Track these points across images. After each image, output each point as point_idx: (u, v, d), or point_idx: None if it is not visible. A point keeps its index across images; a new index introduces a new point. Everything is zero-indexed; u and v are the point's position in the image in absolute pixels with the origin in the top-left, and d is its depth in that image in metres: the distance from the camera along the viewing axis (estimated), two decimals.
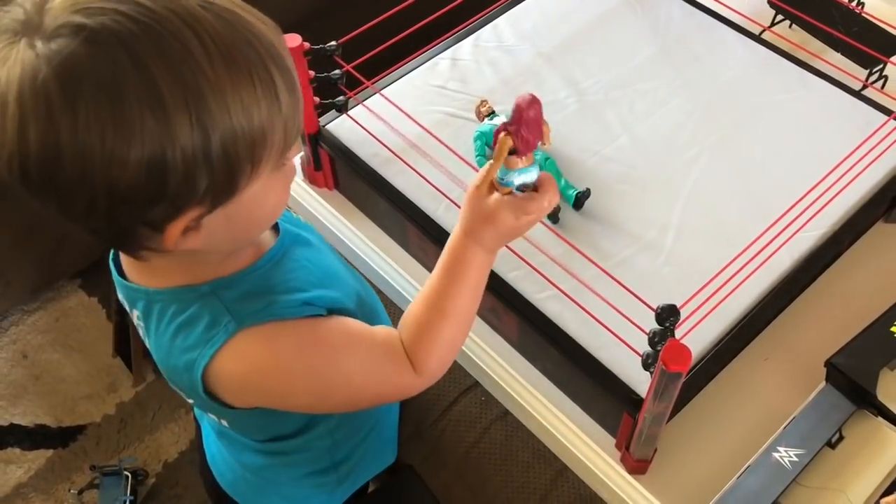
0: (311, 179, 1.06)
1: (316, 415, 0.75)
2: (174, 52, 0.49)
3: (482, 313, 0.92)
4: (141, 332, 0.68)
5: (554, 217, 0.90)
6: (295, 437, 0.76)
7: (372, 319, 0.71)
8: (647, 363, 0.73)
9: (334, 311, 0.66)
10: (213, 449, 0.85)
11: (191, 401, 0.70)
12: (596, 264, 0.79)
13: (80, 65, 0.48)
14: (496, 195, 0.64)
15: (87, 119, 0.48)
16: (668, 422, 0.77)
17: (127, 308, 0.68)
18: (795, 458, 0.75)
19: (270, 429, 0.76)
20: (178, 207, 0.53)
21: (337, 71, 0.94)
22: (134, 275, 0.65)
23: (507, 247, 0.85)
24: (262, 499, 0.85)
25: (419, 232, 0.93)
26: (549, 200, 0.64)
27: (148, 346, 0.67)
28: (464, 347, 0.92)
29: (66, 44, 0.48)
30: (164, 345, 0.64)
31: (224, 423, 0.73)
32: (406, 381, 0.67)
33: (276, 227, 0.70)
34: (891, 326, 0.84)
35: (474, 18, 1.12)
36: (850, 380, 0.81)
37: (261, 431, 0.77)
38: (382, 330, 0.68)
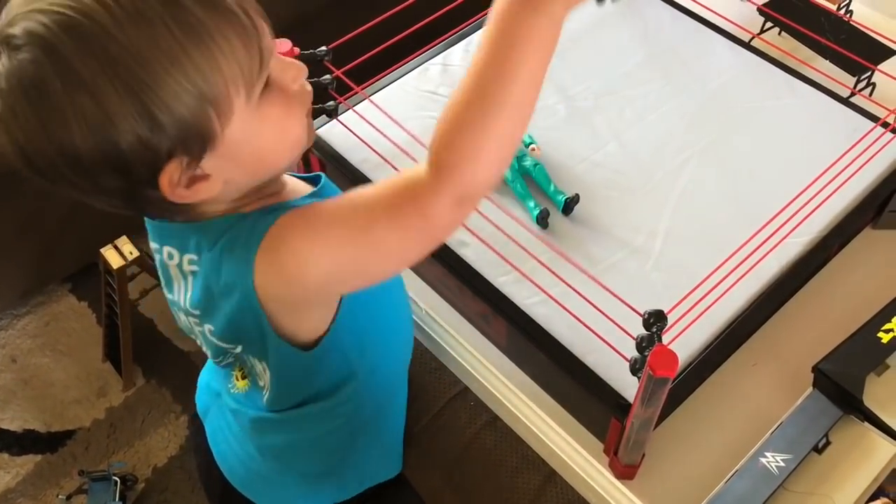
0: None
1: (347, 372, 0.73)
2: (86, 31, 0.51)
3: (471, 317, 0.92)
4: (186, 281, 0.67)
5: (543, 222, 0.91)
6: (324, 398, 0.75)
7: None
8: (635, 368, 0.73)
9: None
10: (223, 446, 0.84)
11: (237, 347, 0.69)
12: (583, 270, 0.79)
13: (11, 74, 0.52)
14: None
15: (26, 119, 0.52)
16: (655, 427, 0.77)
17: (172, 258, 0.67)
18: (782, 464, 0.76)
19: (307, 384, 0.74)
20: (152, 171, 0.55)
21: (327, 76, 0.94)
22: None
23: (495, 251, 0.85)
24: (277, 492, 0.84)
25: None
26: None
27: (192, 286, 0.67)
28: (452, 352, 0.92)
29: (6, 57, 0.53)
30: (215, 269, 0.62)
31: (266, 372, 0.72)
32: (440, 212, 0.54)
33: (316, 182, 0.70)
34: (877, 332, 0.85)
35: (465, 24, 1.12)
36: (837, 385, 0.81)
37: (297, 388, 0.74)
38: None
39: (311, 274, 0.58)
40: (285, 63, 0.61)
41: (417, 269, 0.97)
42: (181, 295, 0.68)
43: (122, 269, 1.30)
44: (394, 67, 1.06)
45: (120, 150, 0.53)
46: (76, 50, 0.51)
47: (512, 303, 0.85)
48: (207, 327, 0.68)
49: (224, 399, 0.81)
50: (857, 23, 1.11)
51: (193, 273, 0.66)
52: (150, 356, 1.48)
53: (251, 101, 0.57)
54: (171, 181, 0.56)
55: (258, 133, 0.58)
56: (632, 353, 0.74)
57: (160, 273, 0.71)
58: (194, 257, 0.65)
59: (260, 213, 0.62)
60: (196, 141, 0.55)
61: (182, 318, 0.72)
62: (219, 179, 0.58)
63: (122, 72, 0.51)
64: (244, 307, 0.62)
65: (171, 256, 0.67)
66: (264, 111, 0.58)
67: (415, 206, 0.54)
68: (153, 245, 0.69)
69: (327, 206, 0.60)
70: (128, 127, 0.52)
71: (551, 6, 0.52)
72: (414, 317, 0.95)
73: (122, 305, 1.35)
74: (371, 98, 0.99)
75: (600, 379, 0.80)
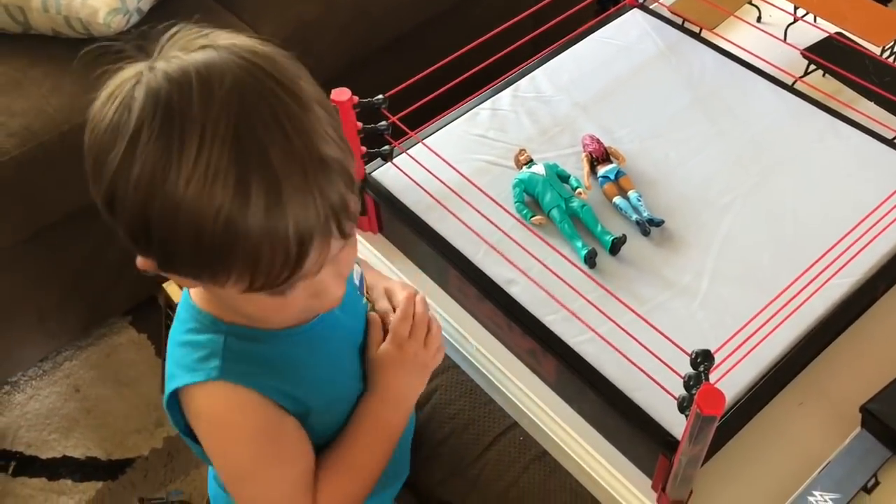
0: (357, 223, 1.10)
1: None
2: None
3: (520, 354, 0.95)
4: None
5: (591, 262, 0.93)
6: None
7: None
8: (683, 406, 0.75)
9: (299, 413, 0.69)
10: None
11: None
12: (631, 309, 0.81)
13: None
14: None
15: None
16: (703, 464, 0.79)
17: None
18: (831, 503, 0.76)
19: None
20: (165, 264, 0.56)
21: (383, 122, 0.99)
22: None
23: (545, 291, 0.88)
24: None
25: (459, 274, 0.97)
26: (403, 318, 0.73)
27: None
28: (501, 387, 0.95)
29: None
30: (171, 345, 0.68)
31: None
32: None
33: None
34: None
35: (513, 71, 1.16)
36: (885, 425, 0.82)
37: None
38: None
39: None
40: (326, 287, 0.60)
41: (467, 307, 1.00)
42: None
43: None
44: (445, 113, 1.10)
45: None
46: None
47: (561, 341, 0.88)
48: None
49: None
50: None
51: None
52: None
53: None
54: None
55: (238, 304, 0.60)
56: (679, 390, 0.76)
57: None
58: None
59: (229, 339, 0.64)
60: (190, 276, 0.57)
61: None
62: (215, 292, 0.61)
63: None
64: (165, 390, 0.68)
65: None
66: (256, 297, 0.57)
67: None
68: None
69: (247, 444, 0.66)
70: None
71: (407, 405, 0.73)
72: (463, 352, 0.98)
73: None
74: (423, 142, 1.03)
75: (648, 416, 0.82)
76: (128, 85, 0.53)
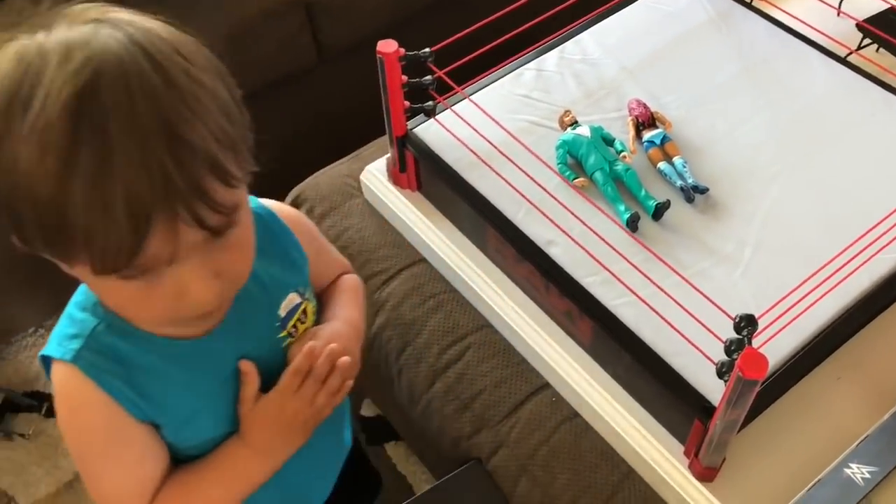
0: (395, 180, 1.10)
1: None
2: None
3: (555, 315, 0.95)
4: None
5: (633, 226, 0.93)
6: None
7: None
8: (722, 371, 0.74)
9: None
10: None
11: None
12: (677, 272, 0.81)
13: None
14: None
15: None
16: (738, 432, 0.78)
17: None
18: (868, 475, 0.76)
19: None
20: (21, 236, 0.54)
21: (429, 77, 0.98)
22: None
23: (586, 251, 0.87)
24: None
25: (497, 234, 0.96)
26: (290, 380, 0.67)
27: None
28: (536, 348, 0.95)
29: None
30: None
31: None
32: None
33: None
34: None
35: (560, 32, 1.15)
36: None
37: None
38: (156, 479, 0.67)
39: None
40: (190, 284, 0.55)
41: (504, 267, 1.00)
42: None
43: None
44: (490, 71, 1.09)
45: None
46: None
47: (599, 303, 0.87)
48: None
49: None
50: None
51: None
52: None
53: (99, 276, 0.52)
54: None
55: (103, 293, 0.58)
56: (718, 357, 0.75)
57: None
58: None
59: (98, 325, 0.62)
60: (51, 251, 0.53)
61: None
62: (82, 277, 0.56)
63: None
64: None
65: None
66: (111, 284, 0.53)
67: None
68: None
69: (81, 438, 0.66)
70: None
71: (276, 460, 0.69)
72: (499, 311, 0.98)
73: None
74: (470, 98, 1.02)
75: (685, 381, 0.81)
76: (5, 51, 0.51)
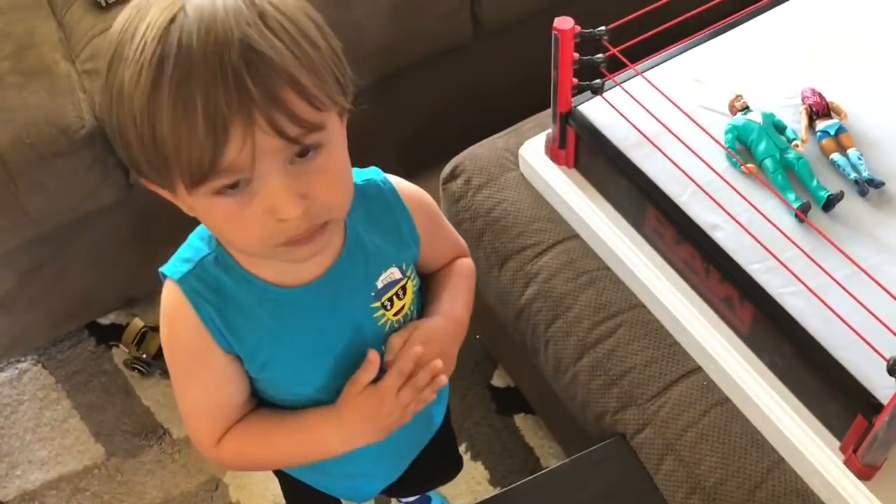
0: (553, 156, 1.12)
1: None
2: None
3: (712, 300, 0.95)
4: None
5: (803, 215, 0.91)
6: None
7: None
8: (895, 369, 0.73)
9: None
10: None
11: None
12: (855, 263, 0.79)
13: None
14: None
15: None
16: None
17: None
18: None
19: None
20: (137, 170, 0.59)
21: (599, 55, 0.99)
22: None
23: (755, 238, 0.87)
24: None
25: (659, 214, 0.97)
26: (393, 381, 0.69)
27: None
28: (691, 331, 0.95)
29: None
30: None
31: None
32: (203, 443, 0.73)
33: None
34: None
35: (735, 15, 1.13)
36: None
37: None
38: (236, 404, 0.73)
39: None
40: (276, 199, 0.57)
41: (661, 249, 1.00)
42: None
43: None
44: (660, 51, 1.09)
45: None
46: None
47: (764, 290, 0.87)
48: None
49: None
50: None
51: None
52: None
53: (195, 191, 0.56)
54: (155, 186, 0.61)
55: (204, 215, 0.61)
56: (890, 353, 0.74)
57: None
58: None
59: (211, 255, 0.67)
60: (159, 182, 0.59)
61: None
62: (190, 208, 0.61)
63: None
64: None
65: None
66: (212, 203, 0.57)
67: (196, 442, 0.74)
68: None
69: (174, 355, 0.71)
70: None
71: (352, 445, 0.72)
72: (654, 291, 0.98)
73: None
74: (643, 75, 1.01)
75: (851, 376, 0.80)
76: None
